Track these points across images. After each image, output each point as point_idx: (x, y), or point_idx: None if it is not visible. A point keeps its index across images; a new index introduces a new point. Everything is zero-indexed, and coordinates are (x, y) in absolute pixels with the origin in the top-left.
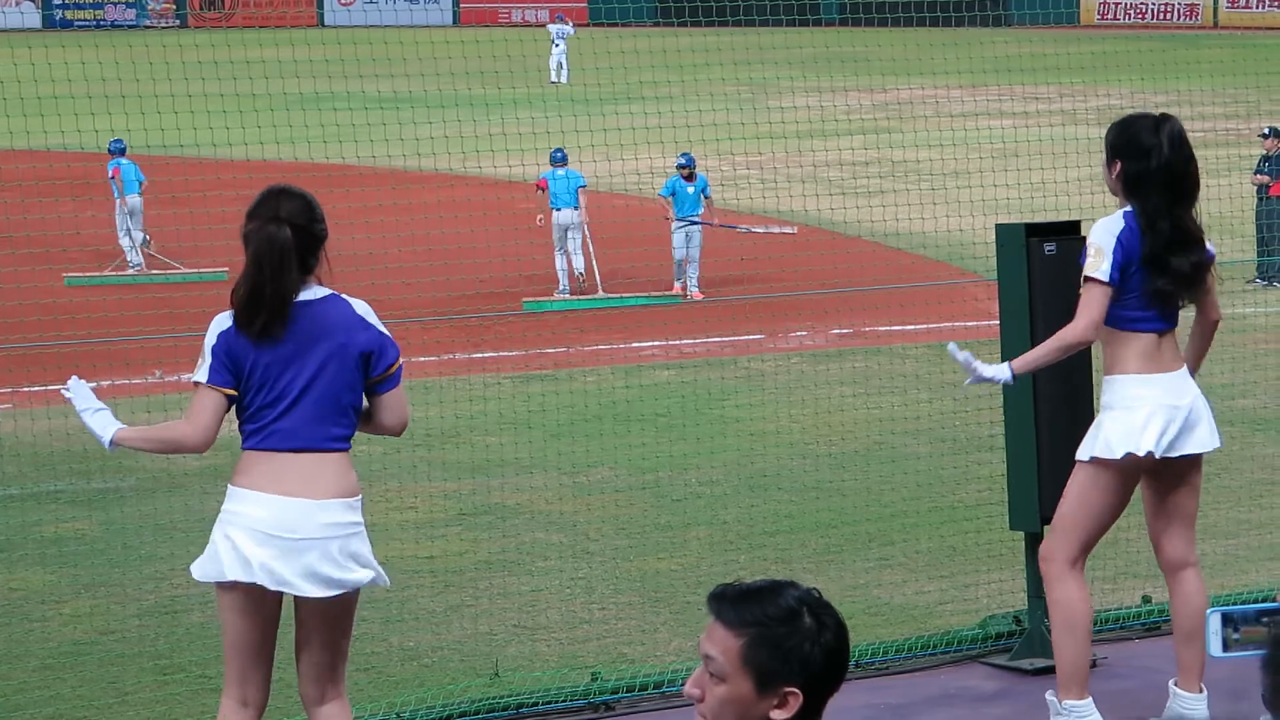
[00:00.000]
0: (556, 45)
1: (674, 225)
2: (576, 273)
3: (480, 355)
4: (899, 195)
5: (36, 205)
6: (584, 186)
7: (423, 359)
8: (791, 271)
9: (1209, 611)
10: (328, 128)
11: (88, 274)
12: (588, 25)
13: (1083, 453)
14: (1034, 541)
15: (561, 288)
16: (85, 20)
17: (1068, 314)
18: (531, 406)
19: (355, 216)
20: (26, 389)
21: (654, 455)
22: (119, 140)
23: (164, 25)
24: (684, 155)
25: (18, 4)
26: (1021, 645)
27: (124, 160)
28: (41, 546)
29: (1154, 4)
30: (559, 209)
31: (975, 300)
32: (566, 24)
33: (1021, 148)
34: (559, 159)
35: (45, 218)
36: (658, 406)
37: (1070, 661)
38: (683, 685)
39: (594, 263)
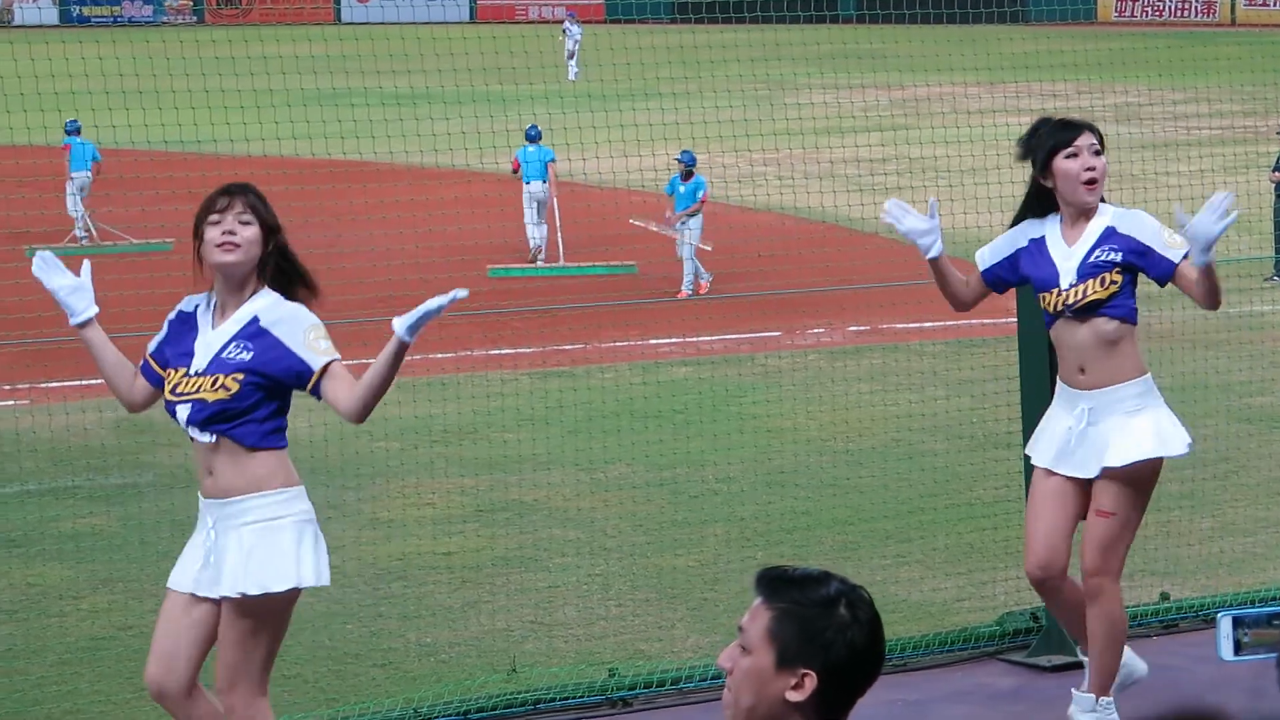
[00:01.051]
0: (574, 43)
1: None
2: (537, 244)
3: (498, 351)
4: (916, 192)
5: (54, 201)
6: (553, 161)
7: (440, 355)
8: (809, 268)
9: (1220, 615)
10: (345, 124)
11: (46, 245)
12: (605, 22)
13: (1151, 451)
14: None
15: (535, 253)
16: (102, 16)
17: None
18: (549, 403)
19: (372, 212)
20: (44, 385)
21: (671, 452)
22: (74, 120)
23: (181, 22)
24: (684, 153)
25: (35, 0)
26: (1039, 642)
27: (76, 139)
28: (59, 542)
29: (1171, 1)
30: (529, 182)
31: (992, 297)
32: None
33: None
34: (533, 135)
35: (62, 214)
36: (675, 403)
37: (1115, 666)
38: (716, 661)
39: (559, 234)
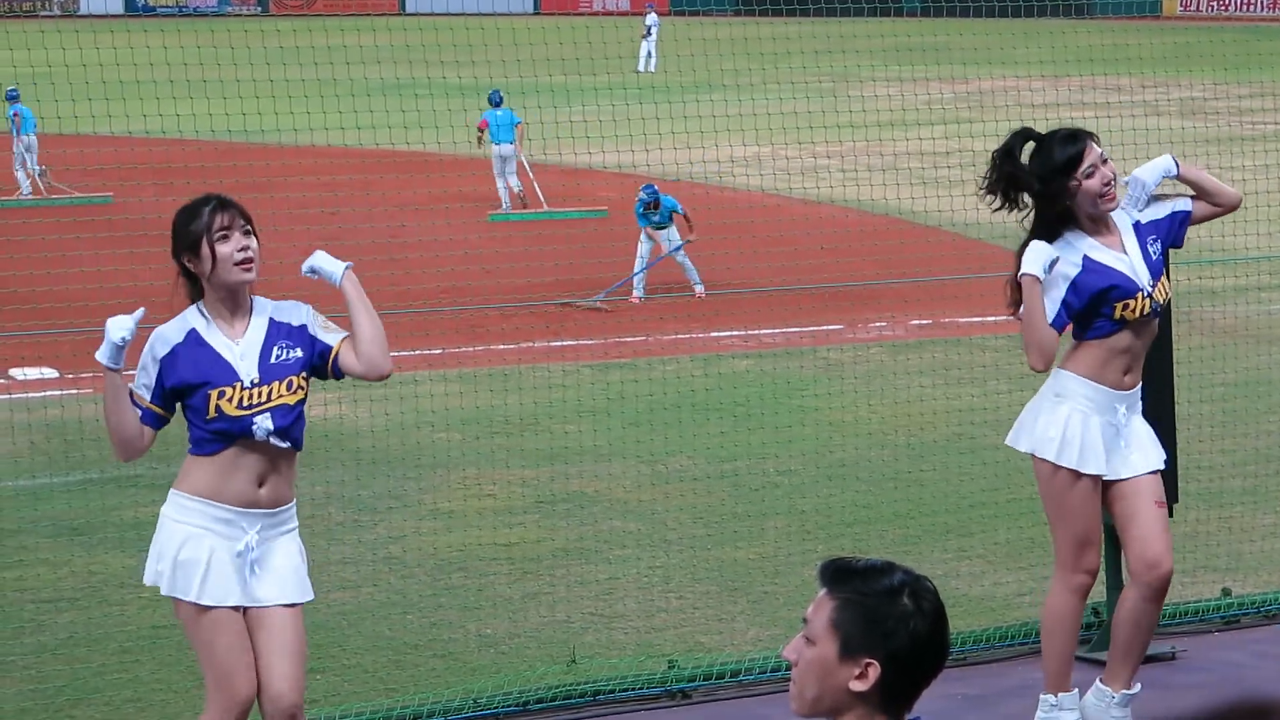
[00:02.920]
0: (649, 35)
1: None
2: (516, 191)
3: (559, 343)
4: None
5: (117, 189)
6: (519, 124)
7: (501, 346)
8: (871, 261)
9: None
10: (408, 114)
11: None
12: (669, 15)
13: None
14: (1113, 533)
15: (505, 206)
16: (167, 6)
17: None
18: (610, 395)
19: (435, 203)
20: None
21: (732, 444)
22: (14, 89)
23: (246, 12)
24: (645, 188)
25: None
26: (1100, 637)
27: (21, 106)
28: (121, 530)
29: None
30: (498, 143)
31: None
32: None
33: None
34: (496, 100)
35: (126, 201)
36: (736, 395)
37: None
38: (780, 651)
39: (534, 183)
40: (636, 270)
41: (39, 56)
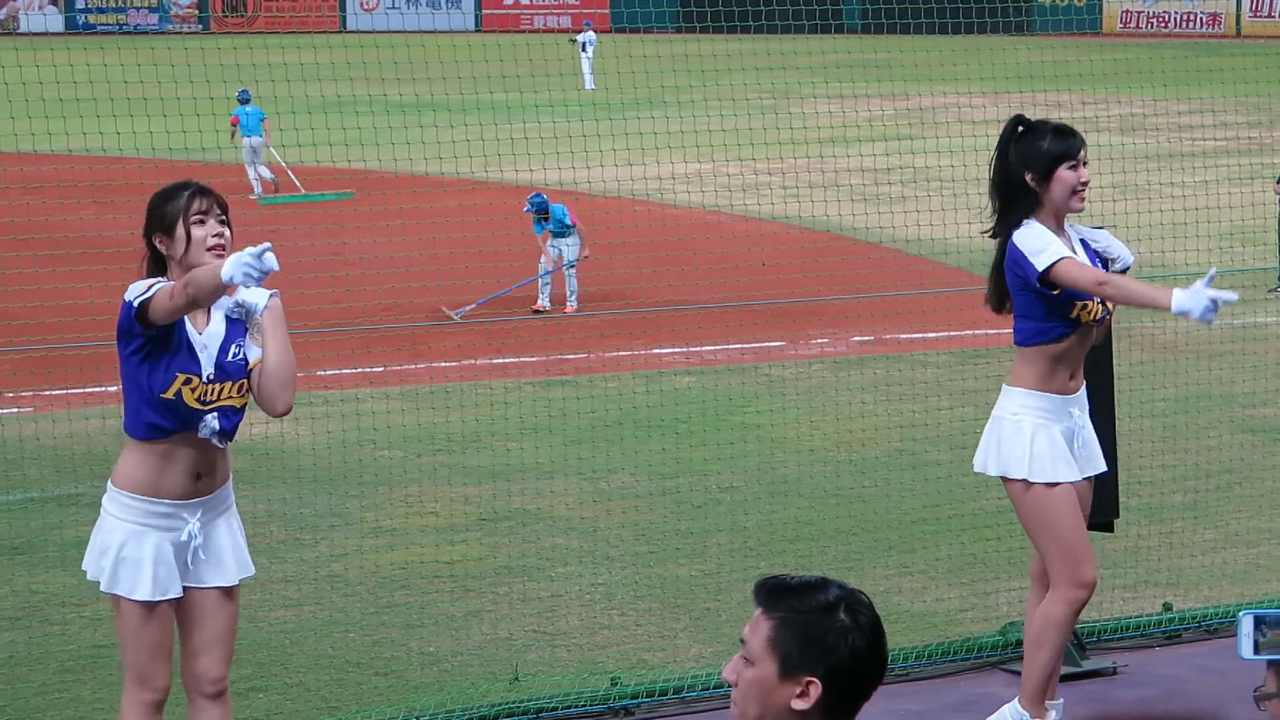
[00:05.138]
0: (585, 51)
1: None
2: (269, 179)
3: (501, 360)
4: (920, 202)
5: (58, 207)
6: (265, 119)
7: (444, 364)
8: (813, 277)
9: (1241, 613)
10: (349, 131)
11: None
12: (610, 31)
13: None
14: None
15: (257, 193)
16: (108, 24)
17: None
18: (552, 412)
19: (376, 220)
20: (48, 392)
21: (674, 461)
22: None
23: (186, 30)
24: (533, 198)
25: (41, 7)
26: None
27: None
28: (62, 549)
29: (1176, 12)
30: (248, 135)
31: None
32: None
33: None
34: (245, 98)
35: (66, 219)
36: (678, 412)
37: None
38: (720, 672)
39: (288, 171)
40: (540, 274)
41: None
